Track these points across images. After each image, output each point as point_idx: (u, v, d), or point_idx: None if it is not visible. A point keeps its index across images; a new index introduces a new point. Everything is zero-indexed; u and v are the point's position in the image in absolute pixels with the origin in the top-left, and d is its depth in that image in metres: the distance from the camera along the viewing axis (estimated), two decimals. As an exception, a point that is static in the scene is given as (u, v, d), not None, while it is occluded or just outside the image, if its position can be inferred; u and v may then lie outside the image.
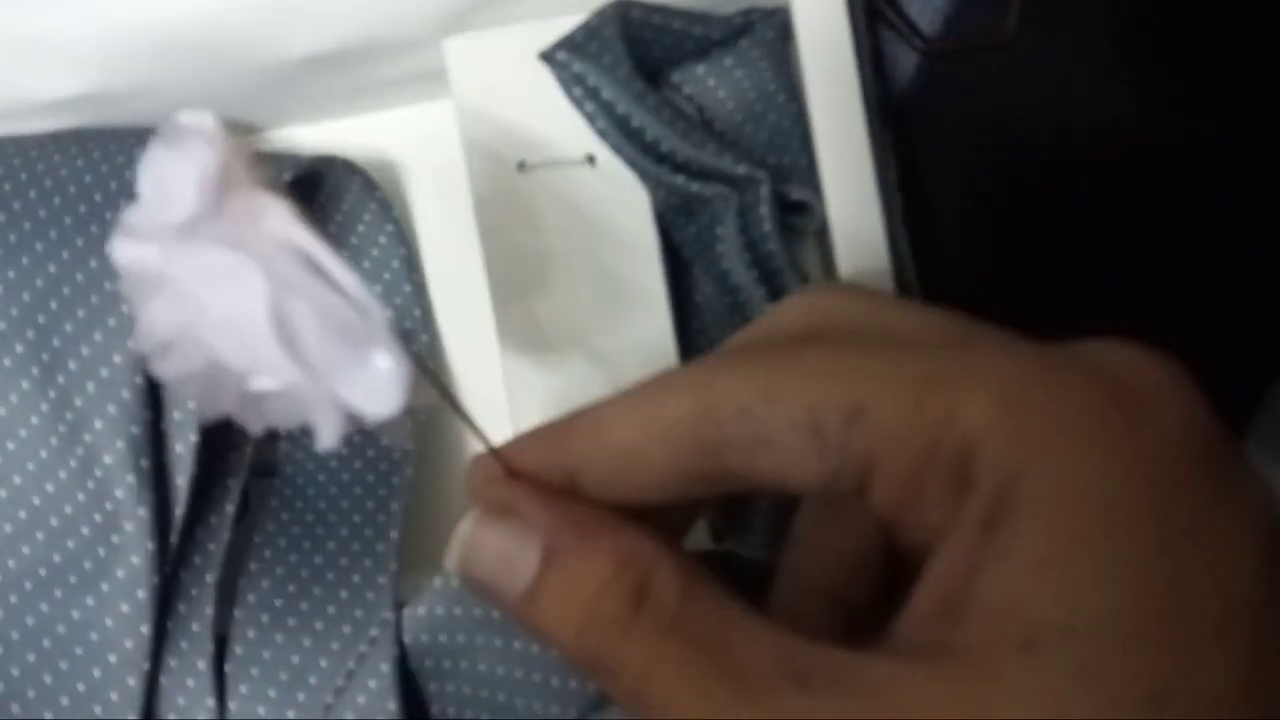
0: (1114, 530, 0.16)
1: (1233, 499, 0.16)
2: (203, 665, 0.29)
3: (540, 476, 0.20)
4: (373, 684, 0.29)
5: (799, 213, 0.33)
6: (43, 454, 0.29)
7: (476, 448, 0.35)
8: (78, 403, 0.29)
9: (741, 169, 0.31)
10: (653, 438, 0.19)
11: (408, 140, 0.36)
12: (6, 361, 0.29)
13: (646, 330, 0.32)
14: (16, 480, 0.29)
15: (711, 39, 0.32)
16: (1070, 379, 0.17)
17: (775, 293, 0.32)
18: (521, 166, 0.32)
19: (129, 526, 0.29)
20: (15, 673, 0.29)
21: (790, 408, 0.18)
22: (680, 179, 0.31)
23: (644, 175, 0.31)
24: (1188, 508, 0.16)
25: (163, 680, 0.30)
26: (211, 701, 0.29)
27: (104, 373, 0.29)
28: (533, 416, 0.32)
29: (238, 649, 0.30)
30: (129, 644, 0.29)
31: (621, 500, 0.20)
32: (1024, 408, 0.17)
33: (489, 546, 0.19)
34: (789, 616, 0.22)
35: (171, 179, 0.16)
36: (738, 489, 0.19)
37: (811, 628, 0.21)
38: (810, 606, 0.22)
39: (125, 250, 0.16)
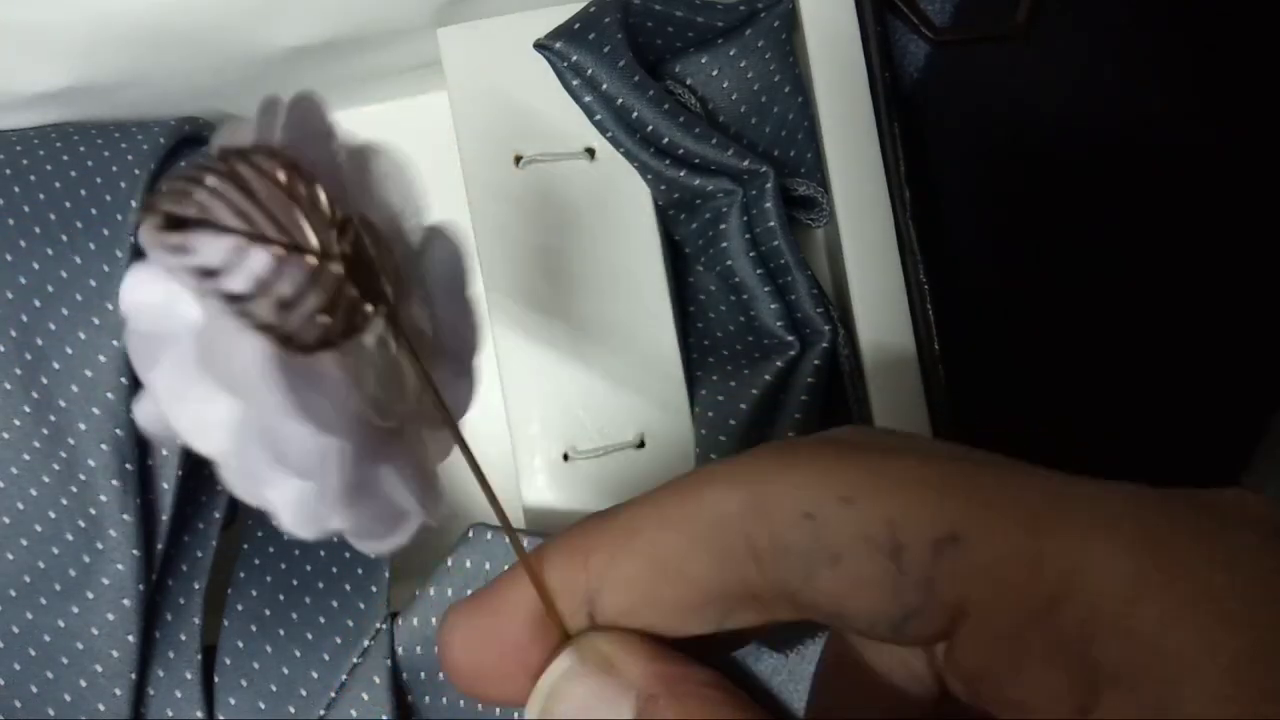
0: None
1: None
2: (190, 675, 0.29)
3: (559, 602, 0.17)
4: (365, 696, 0.28)
5: (805, 207, 0.32)
6: (26, 457, 0.29)
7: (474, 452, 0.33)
8: (61, 404, 0.28)
9: (746, 162, 0.30)
10: (693, 540, 0.16)
11: (401, 134, 0.35)
12: (-12, 362, 0.29)
13: (647, 329, 0.31)
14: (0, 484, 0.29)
15: (715, 28, 0.32)
16: (1229, 534, 0.13)
17: (780, 290, 0.31)
18: (518, 160, 0.31)
19: (113, 532, 0.28)
20: (0, 682, 0.29)
21: (866, 518, 0.14)
22: (682, 173, 0.30)
23: (645, 169, 0.31)
24: None
25: (150, 691, 0.29)
26: (200, 713, 0.29)
27: (88, 373, 0.28)
28: (529, 419, 0.31)
29: (226, 659, 0.29)
30: (115, 653, 0.28)
31: (645, 632, 0.16)
32: (1175, 572, 0.13)
33: (574, 703, 0.16)
34: None
35: None
36: (786, 617, 0.16)
37: None
38: None
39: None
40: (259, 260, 0.12)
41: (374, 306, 0.13)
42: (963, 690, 0.15)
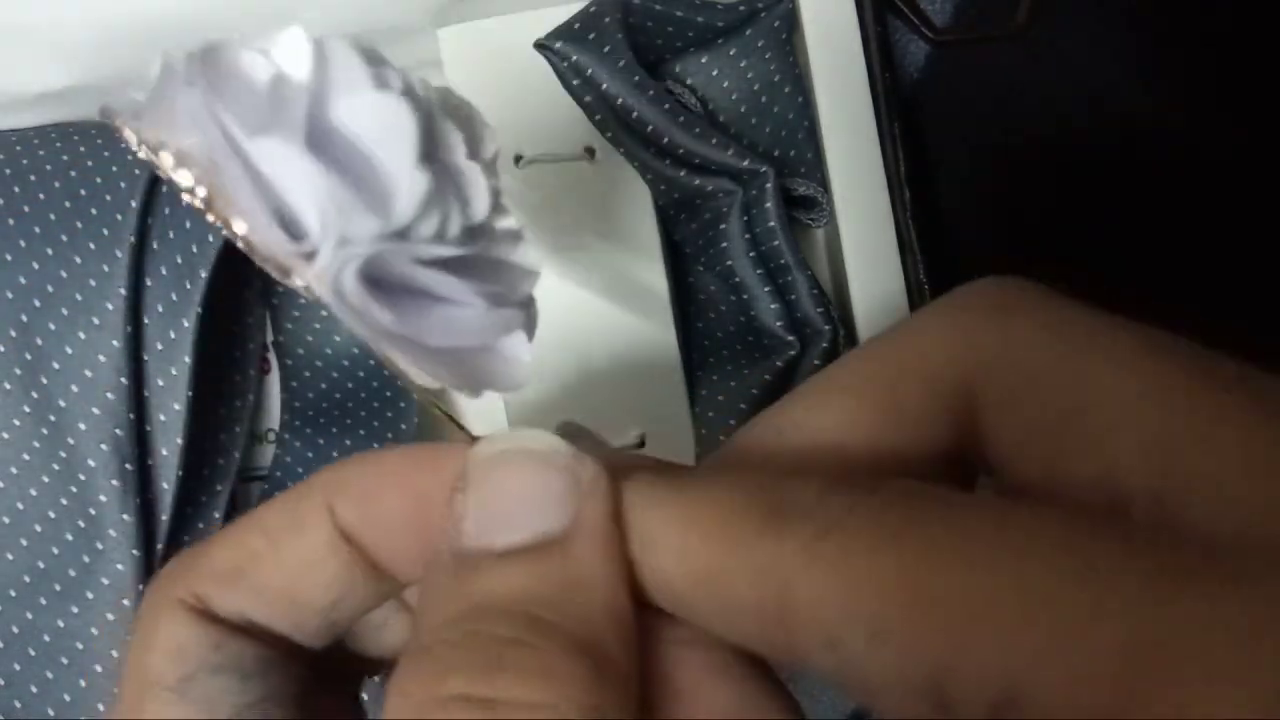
0: None
1: None
2: (190, 675, 0.29)
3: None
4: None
5: (805, 207, 0.32)
6: (26, 457, 0.29)
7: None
8: (61, 404, 0.28)
9: (745, 162, 0.30)
10: (709, 599, 0.14)
11: (402, 134, 0.35)
12: (-12, 362, 0.29)
13: (648, 330, 0.31)
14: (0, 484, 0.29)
15: (715, 28, 0.32)
16: None
17: (780, 290, 0.31)
18: (518, 160, 0.31)
19: (113, 532, 0.28)
20: (0, 683, 0.29)
21: (904, 662, 0.12)
22: (682, 173, 0.30)
23: (645, 169, 0.30)
24: None
25: (150, 691, 0.29)
26: (199, 713, 0.29)
27: (88, 373, 0.28)
28: (530, 421, 0.31)
29: (226, 659, 0.29)
30: (115, 653, 0.28)
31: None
32: None
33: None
34: None
35: None
36: None
37: None
38: None
39: None
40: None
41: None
42: None
